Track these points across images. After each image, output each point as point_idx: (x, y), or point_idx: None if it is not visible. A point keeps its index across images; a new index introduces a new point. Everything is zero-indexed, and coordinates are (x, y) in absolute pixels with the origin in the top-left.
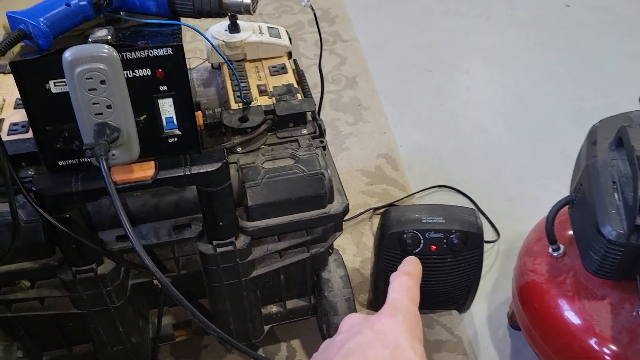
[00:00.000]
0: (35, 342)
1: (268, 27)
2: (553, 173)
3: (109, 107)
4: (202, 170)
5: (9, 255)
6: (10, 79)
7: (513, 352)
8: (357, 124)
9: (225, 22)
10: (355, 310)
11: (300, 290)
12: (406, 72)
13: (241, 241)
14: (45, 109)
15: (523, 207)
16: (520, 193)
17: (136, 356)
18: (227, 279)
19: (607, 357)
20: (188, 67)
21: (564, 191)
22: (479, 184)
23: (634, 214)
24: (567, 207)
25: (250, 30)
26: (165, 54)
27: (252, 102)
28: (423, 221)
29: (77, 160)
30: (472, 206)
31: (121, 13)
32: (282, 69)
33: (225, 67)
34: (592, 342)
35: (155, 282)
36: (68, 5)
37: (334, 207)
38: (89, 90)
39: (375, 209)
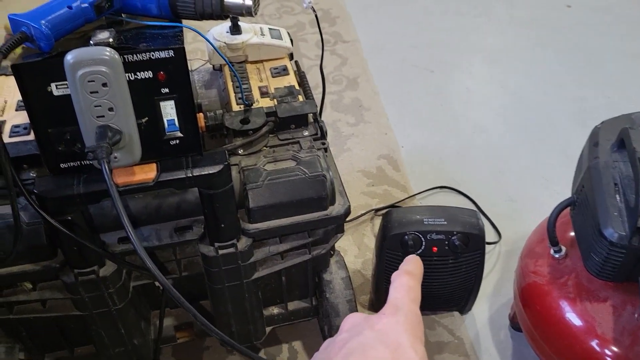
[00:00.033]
0: (37, 344)
1: (269, 29)
2: (554, 173)
3: (110, 109)
4: (203, 173)
5: (11, 258)
6: (11, 81)
7: (514, 353)
8: (358, 124)
9: (226, 24)
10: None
11: (302, 292)
12: (407, 72)
13: (243, 243)
14: (47, 111)
15: (524, 208)
16: (521, 194)
17: (138, 358)
18: (228, 280)
19: (608, 359)
20: (189, 69)
21: (565, 192)
22: (480, 184)
23: (636, 216)
24: (568, 208)
25: (252, 32)
26: (167, 56)
27: (254, 104)
28: (424, 223)
29: (78, 162)
30: (473, 207)
31: (123, 15)
32: (284, 71)
33: (226, 69)
34: (594, 343)
35: (157, 284)
36: (70, 7)
37: (335, 209)
38: (91, 92)
39: (377, 210)
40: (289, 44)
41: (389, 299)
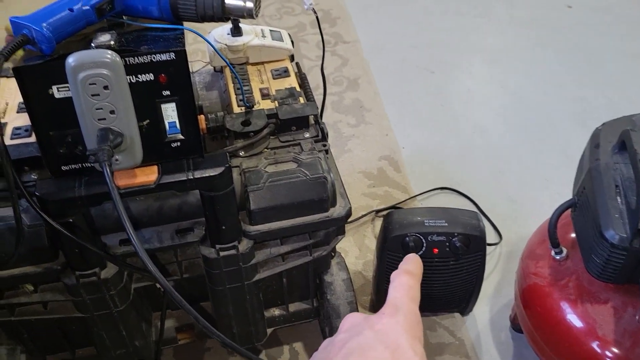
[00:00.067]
0: (39, 346)
1: (270, 30)
2: (555, 174)
3: (112, 112)
4: (205, 175)
5: (13, 260)
6: (12, 83)
7: (515, 355)
8: (359, 125)
9: (227, 26)
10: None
11: (303, 293)
12: (407, 73)
13: (244, 245)
14: (49, 114)
15: (525, 209)
16: (522, 194)
17: (139, 359)
18: (230, 282)
19: None
20: (190, 70)
21: (566, 193)
22: (480, 185)
23: (637, 218)
24: (569, 209)
25: (253, 34)
26: (168, 59)
27: (255, 106)
28: (425, 224)
29: (80, 165)
30: (473, 208)
31: (124, 17)
32: (285, 72)
33: (227, 71)
34: (595, 345)
35: (158, 285)
36: (71, 10)
37: (336, 211)
38: (92, 95)
39: (378, 211)
40: (289, 45)
41: (388, 299)
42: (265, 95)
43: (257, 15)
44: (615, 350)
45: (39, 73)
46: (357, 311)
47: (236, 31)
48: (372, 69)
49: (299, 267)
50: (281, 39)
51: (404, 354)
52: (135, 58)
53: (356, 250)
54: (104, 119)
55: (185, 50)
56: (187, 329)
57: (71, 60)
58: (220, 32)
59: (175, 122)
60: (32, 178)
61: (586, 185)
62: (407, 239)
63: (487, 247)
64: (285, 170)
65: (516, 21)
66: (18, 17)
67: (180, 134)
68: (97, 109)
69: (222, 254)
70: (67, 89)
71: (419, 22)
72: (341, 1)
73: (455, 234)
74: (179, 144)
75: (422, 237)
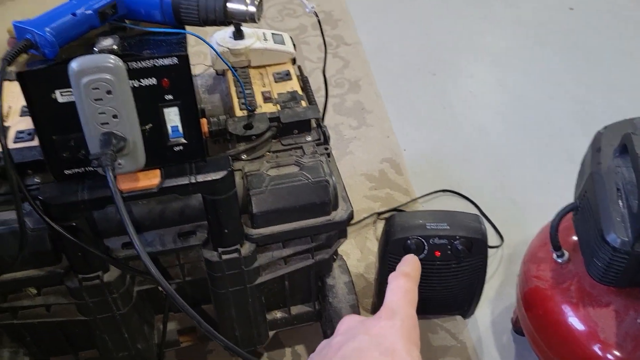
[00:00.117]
0: (41, 348)
1: (272, 34)
2: (557, 176)
3: (115, 116)
4: (207, 179)
5: (17, 264)
6: (15, 86)
7: (517, 357)
8: (360, 128)
9: (229, 29)
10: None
11: (305, 296)
12: (409, 75)
13: (246, 248)
14: (52, 118)
15: (527, 211)
16: (524, 197)
17: None
18: (232, 285)
19: None
20: (192, 74)
21: (568, 195)
22: (482, 188)
23: (639, 222)
24: (571, 212)
25: (255, 37)
26: (170, 63)
27: (257, 109)
28: (427, 227)
29: (83, 169)
30: (475, 210)
31: (126, 21)
32: (287, 76)
33: (229, 74)
34: (596, 348)
35: (161, 288)
36: (74, 14)
37: (338, 214)
38: (95, 100)
39: (379, 213)
40: (291, 49)
41: (385, 301)
42: (267, 99)
43: (259, 20)
44: (616, 353)
45: (42, 78)
46: (359, 314)
47: (238, 35)
48: (373, 71)
49: (301, 270)
50: (283, 42)
51: (400, 359)
52: (138, 63)
53: (358, 253)
54: (107, 123)
55: (187, 55)
56: (189, 331)
57: (74, 65)
58: (222, 35)
59: (177, 126)
60: (35, 182)
61: (588, 189)
62: (409, 242)
63: (489, 249)
64: (287, 173)
65: (518, 23)
66: (21, 22)
67: (182, 138)
68: (100, 114)
69: (224, 257)
70: (70, 93)
71: (420, 24)
72: (343, 3)
73: (457, 237)
74: (181, 147)
75: (423, 240)
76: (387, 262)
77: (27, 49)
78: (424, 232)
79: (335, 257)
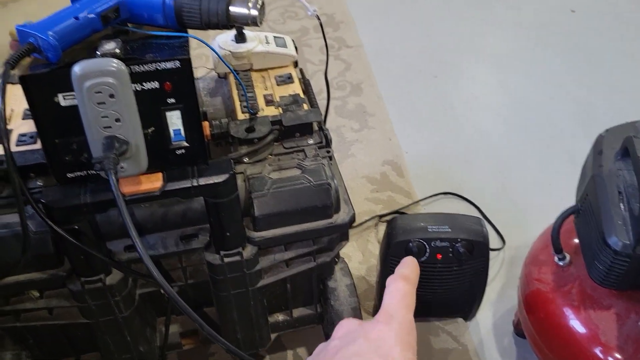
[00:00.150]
0: (44, 351)
1: (274, 37)
2: (559, 179)
3: (117, 120)
4: (209, 182)
5: (19, 267)
6: (17, 89)
7: None
8: (362, 130)
9: (231, 32)
10: (361, 319)
11: (307, 299)
12: (411, 77)
13: (248, 251)
14: (55, 122)
15: (528, 214)
16: (525, 199)
17: None
18: (234, 288)
19: None
20: (194, 77)
21: (569, 197)
22: (484, 190)
23: None
24: (572, 215)
25: (257, 40)
26: (173, 67)
27: (259, 112)
28: (429, 230)
29: (85, 172)
30: (477, 213)
31: (129, 25)
32: (289, 79)
33: (231, 77)
34: (598, 351)
35: (163, 291)
36: (77, 18)
37: (340, 217)
38: (98, 103)
39: (381, 216)
40: (293, 52)
41: (383, 305)
42: (269, 102)
43: (261, 23)
44: (618, 356)
45: (45, 81)
46: (361, 317)
47: (240, 38)
48: (375, 73)
49: (303, 273)
50: (285, 46)
51: None
52: (141, 66)
53: (359, 255)
54: (110, 127)
55: (190, 59)
56: (191, 334)
57: (77, 69)
58: (224, 38)
59: (180, 129)
60: (38, 185)
61: (589, 192)
62: (411, 244)
63: (490, 252)
64: (289, 176)
65: (520, 25)
66: (24, 25)
67: (184, 141)
68: (102, 117)
69: (226, 260)
70: (73, 97)
71: (422, 26)
72: (344, 5)
73: (459, 240)
74: (183, 151)
75: (425, 243)
76: (389, 264)
77: (30, 53)
78: (425, 234)
79: (337, 259)
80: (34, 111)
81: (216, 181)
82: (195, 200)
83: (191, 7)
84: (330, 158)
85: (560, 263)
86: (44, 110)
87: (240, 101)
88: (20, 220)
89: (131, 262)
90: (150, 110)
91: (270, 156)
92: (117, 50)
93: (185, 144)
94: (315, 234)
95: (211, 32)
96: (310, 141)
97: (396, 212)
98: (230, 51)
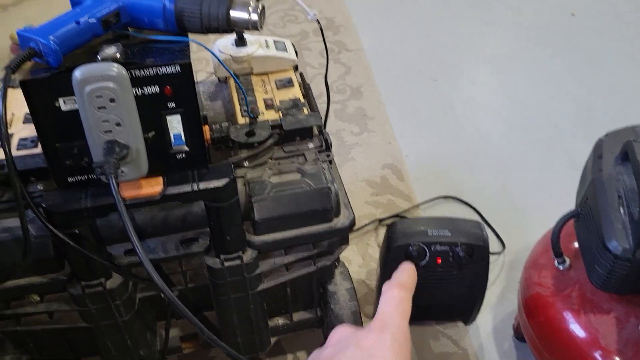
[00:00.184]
0: (44, 355)
1: (274, 41)
2: (559, 182)
3: (118, 124)
4: (209, 186)
5: (20, 271)
6: (18, 94)
7: None
8: (362, 134)
9: (231, 36)
10: (361, 323)
11: (307, 303)
12: (411, 81)
13: (248, 255)
14: (55, 126)
15: (528, 217)
16: (525, 203)
17: None
18: (234, 292)
19: None
20: (195, 81)
21: (570, 198)
22: (484, 193)
23: None
24: (572, 219)
25: (257, 44)
26: (173, 71)
27: (259, 116)
28: (429, 234)
29: (86, 176)
30: (477, 216)
31: (129, 29)
32: (289, 83)
33: (231, 81)
34: (597, 355)
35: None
36: (78, 23)
37: (340, 221)
38: (99, 108)
39: (381, 219)
40: (293, 56)
41: (378, 312)
42: (269, 106)
43: (261, 27)
44: None
45: (45, 86)
46: (361, 321)
47: (240, 42)
48: (376, 77)
49: (303, 276)
50: (285, 49)
51: None
52: (141, 71)
53: (359, 259)
54: (110, 131)
55: (190, 63)
56: (191, 338)
57: (78, 73)
58: (224, 42)
59: (180, 133)
60: (39, 189)
61: (589, 196)
62: (411, 248)
63: (490, 256)
64: (289, 180)
65: (520, 26)
66: (25, 30)
67: (185, 145)
68: (103, 122)
69: (226, 264)
70: (73, 101)
71: (422, 26)
72: (344, 8)
73: (459, 244)
74: (184, 155)
75: (425, 247)
76: (389, 268)
77: (31, 57)
78: (425, 238)
79: (337, 263)
80: (35, 115)
81: (216, 185)
82: (196, 204)
83: (192, 12)
84: (330, 162)
85: (560, 267)
86: (45, 114)
87: (240, 105)
88: (21, 225)
89: (131, 266)
90: (151, 114)
91: (270, 160)
92: (118, 55)
93: (186, 148)
94: (316, 237)
95: (211, 36)
96: (310, 145)
97: (396, 215)
98: (230, 55)
